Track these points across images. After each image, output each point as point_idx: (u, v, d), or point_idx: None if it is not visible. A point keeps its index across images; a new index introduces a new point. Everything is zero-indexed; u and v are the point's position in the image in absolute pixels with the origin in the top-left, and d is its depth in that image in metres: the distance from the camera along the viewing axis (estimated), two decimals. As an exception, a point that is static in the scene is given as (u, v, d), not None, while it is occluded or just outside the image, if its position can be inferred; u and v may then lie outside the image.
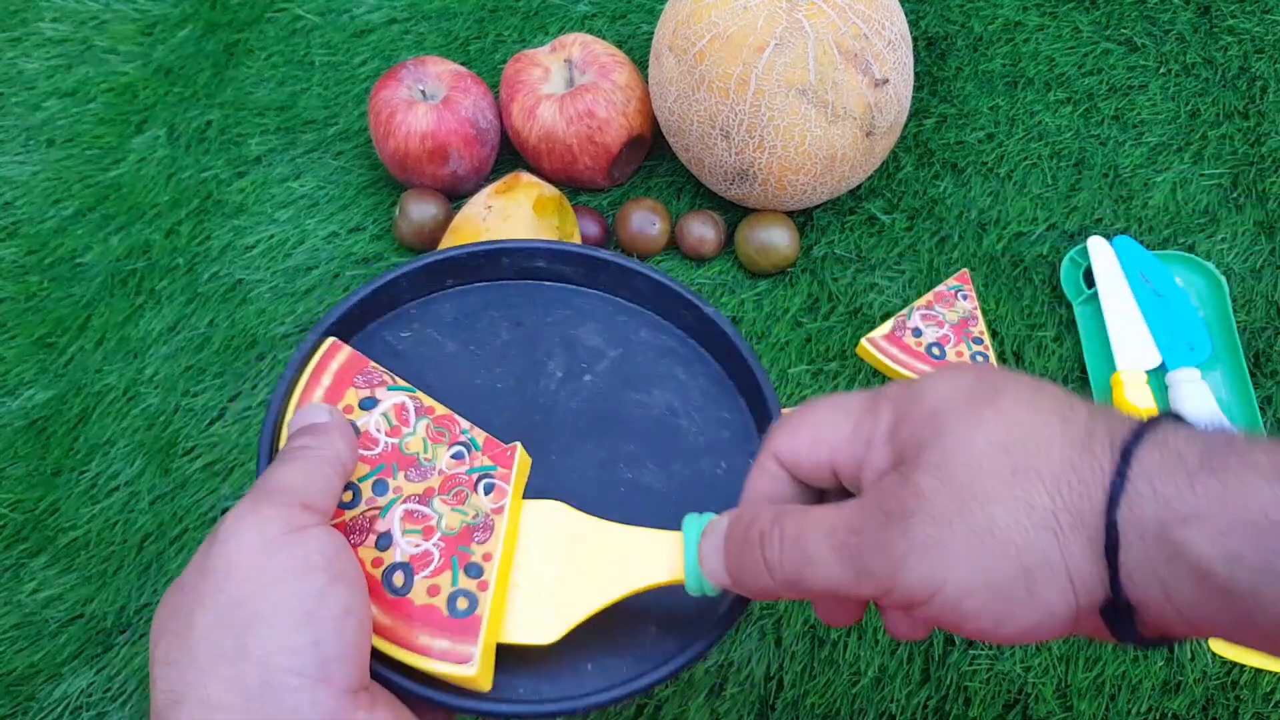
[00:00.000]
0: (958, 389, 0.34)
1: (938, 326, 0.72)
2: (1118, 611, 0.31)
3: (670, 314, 0.54)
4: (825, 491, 0.40)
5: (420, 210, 0.75)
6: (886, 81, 0.60)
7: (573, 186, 0.80)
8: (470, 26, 0.89)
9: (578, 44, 0.77)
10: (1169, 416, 0.32)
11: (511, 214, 0.70)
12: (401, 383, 0.47)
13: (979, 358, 0.71)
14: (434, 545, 0.43)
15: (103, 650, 0.64)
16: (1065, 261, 0.75)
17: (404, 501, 0.44)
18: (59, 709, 0.62)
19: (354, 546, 0.42)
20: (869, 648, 0.63)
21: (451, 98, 0.76)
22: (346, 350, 0.48)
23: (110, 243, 0.79)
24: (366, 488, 0.44)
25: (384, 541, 0.43)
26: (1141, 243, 0.76)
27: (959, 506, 0.32)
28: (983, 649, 0.63)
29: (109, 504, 0.69)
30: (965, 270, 0.75)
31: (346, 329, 0.50)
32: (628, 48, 0.86)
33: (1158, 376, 0.70)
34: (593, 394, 0.51)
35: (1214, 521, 0.29)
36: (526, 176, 0.73)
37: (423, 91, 0.77)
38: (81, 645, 0.64)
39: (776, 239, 0.74)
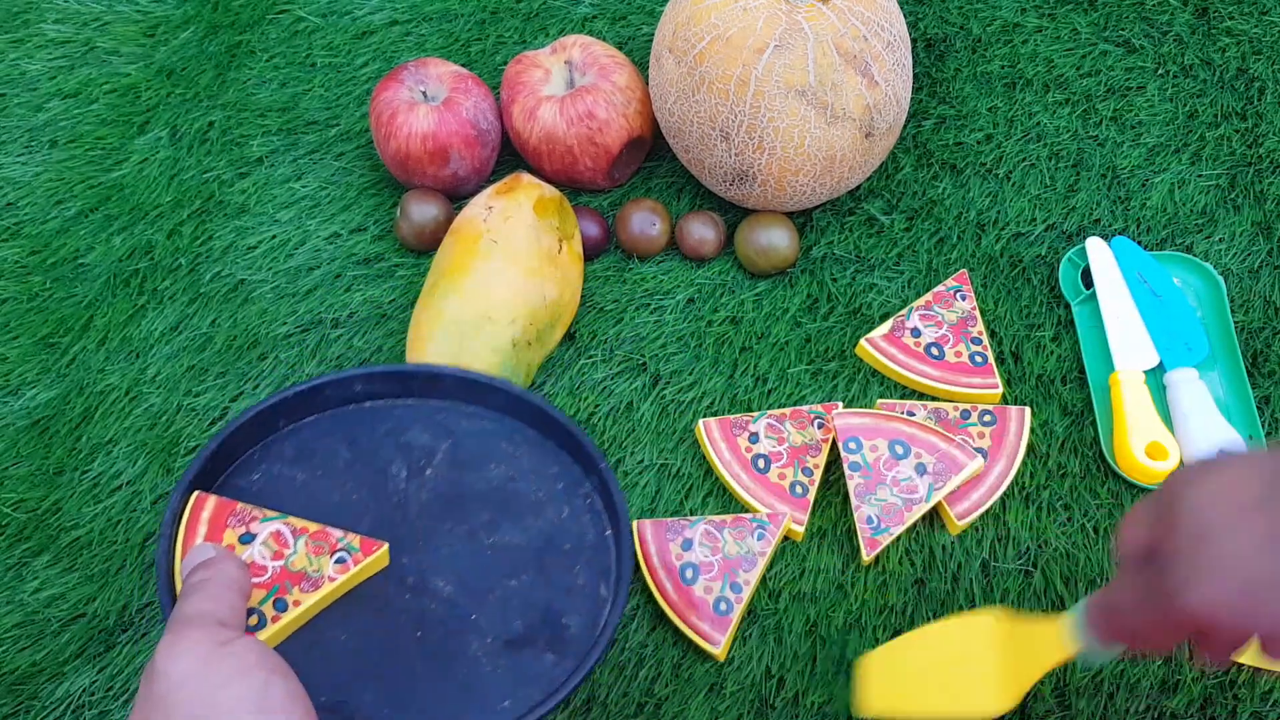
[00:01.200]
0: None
1: (936, 327, 0.72)
2: None
3: (480, 400, 0.62)
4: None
5: (421, 211, 0.76)
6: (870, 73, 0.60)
7: (573, 187, 0.80)
8: (471, 28, 0.89)
9: (578, 46, 0.78)
10: None
11: (512, 215, 0.70)
12: (271, 513, 0.55)
13: (977, 358, 0.71)
14: (717, 561, 0.63)
15: (105, 649, 0.64)
16: (1063, 262, 0.75)
17: (706, 523, 0.63)
18: (61, 708, 0.63)
19: (667, 543, 0.61)
20: (869, 645, 0.63)
21: (452, 99, 0.76)
22: (213, 499, 0.55)
23: (113, 243, 0.79)
24: (268, 608, 0.52)
25: (686, 545, 0.63)
26: (1139, 243, 0.76)
27: (1202, 543, 0.41)
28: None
29: (111, 503, 0.69)
30: (964, 271, 0.75)
31: (204, 483, 0.56)
32: (628, 49, 0.86)
33: (1155, 376, 0.71)
34: (437, 483, 0.59)
35: None
36: (527, 177, 0.73)
37: (424, 93, 0.77)
38: (84, 644, 0.64)
39: (776, 240, 0.74)
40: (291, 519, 0.55)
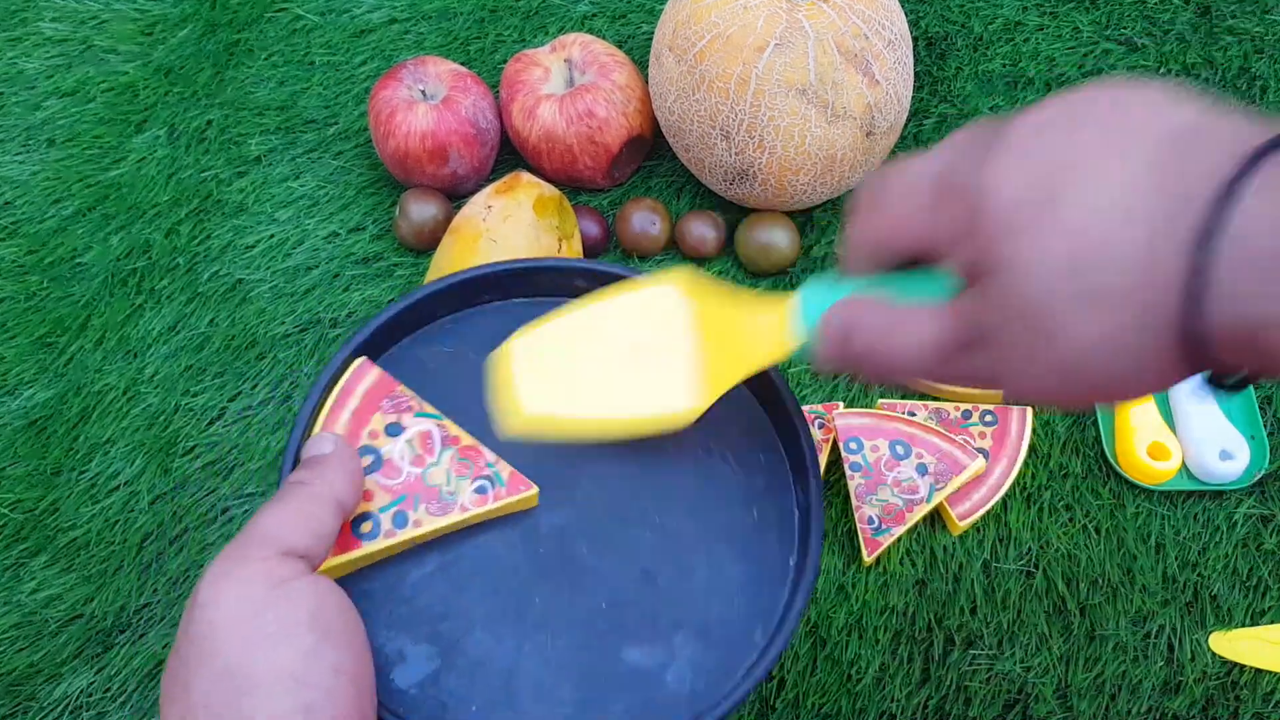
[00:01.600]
0: (1020, 189, 0.30)
1: None
2: (1194, 343, 0.28)
3: None
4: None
5: (420, 210, 0.75)
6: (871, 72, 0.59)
7: (573, 186, 0.80)
8: (470, 26, 0.89)
9: (578, 44, 0.77)
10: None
11: (511, 214, 0.70)
12: (429, 409, 0.46)
13: None
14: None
15: (102, 650, 0.64)
16: None
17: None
18: (59, 709, 0.62)
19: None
20: (869, 647, 0.63)
21: (451, 98, 0.76)
22: (376, 372, 0.47)
23: (110, 242, 0.79)
24: (386, 519, 0.44)
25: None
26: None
27: (1030, 337, 0.30)
28: (983, 649, 0.63)
29: (109, 503, 0.69)
30: None
31: (378, 343, 0.49)
32: (628, 48, 0.86)
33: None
34: None
35: None
36: (527, 176, 0.73)
37: (423, 91, 0.77)
38: (81, 645, 0.64)
39: (776, 239, 0.74)
40: (448, 422, 0.46)
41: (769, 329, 0.41)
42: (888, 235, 0.36)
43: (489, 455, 0.46)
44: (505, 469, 0.45)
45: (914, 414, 0.68)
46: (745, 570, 0.46)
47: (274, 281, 0.77)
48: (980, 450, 0.67)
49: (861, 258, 0.38)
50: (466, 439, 0.46)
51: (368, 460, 0.45)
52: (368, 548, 0.43)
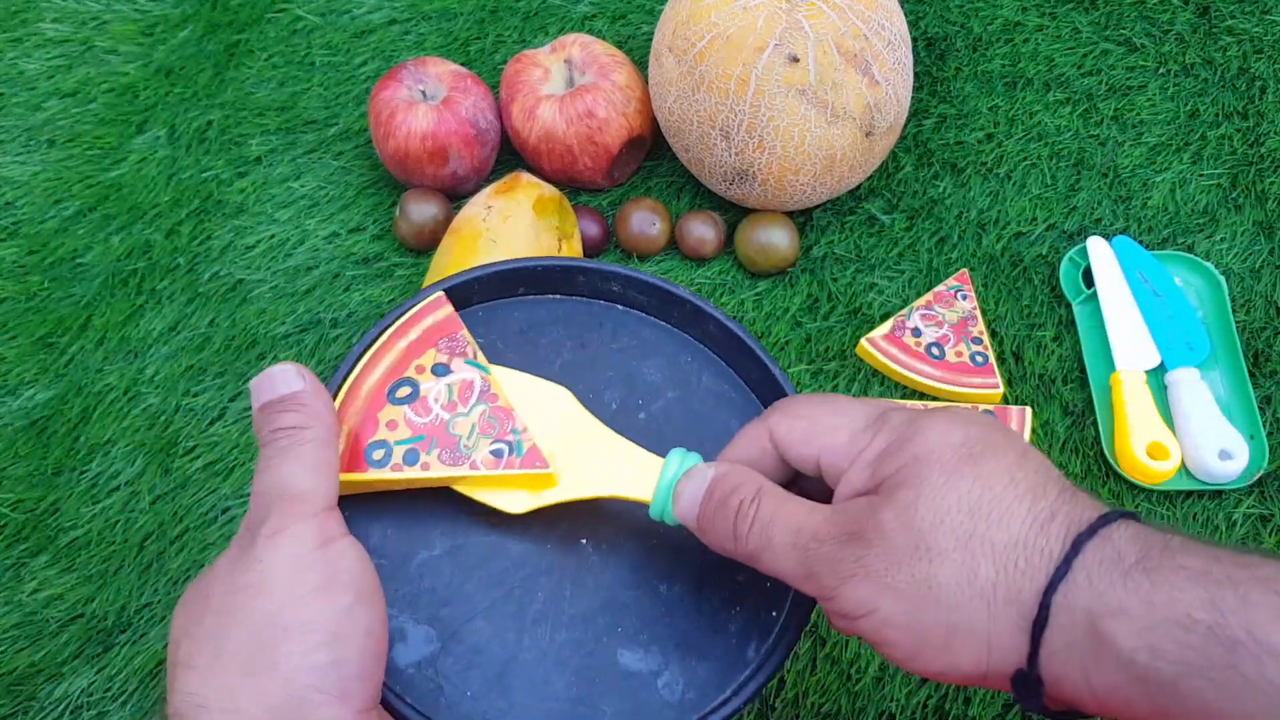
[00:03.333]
0: (950, 441, 0.36)
1: (937, 326, 0.72)
2: (1028, 683, 0.34)
3: (736, 364, 0.51)
4: (799, 474, 0.42)
5: (420, 210, 0.76)
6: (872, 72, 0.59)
7: (573, 187, 0.80)
8: (470, 27, 0.89)
9: (578, 44, 0.77)
10: (1124, 515, 0.35)
11: (511, 214, 0.70)
12: (481, 360, 0.46)
13: (978, 358, 0.71)
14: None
15: (103, 650, 0.64)
16: (1064, 261, 0.75)
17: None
18: (59, 708, 0.62)
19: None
20: (869, 646, 0.63)
21: (452, 98, 0.76)
22: (448, 310, 0.47)
23: (111, 243, 0.79)
24: (399, 453, 0.44)
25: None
26: (1141, 243, 0.76)
27: (910, 552, 0.35)
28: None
29: (109, 504, 0.69)
30: (965, 270, 0.75)
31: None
32: (628, 48, 0.86)
33: (1157, 376, 0.71)
34: (644, 433, 0.48)
35: (1139, 618, 0.32)
36: (527, 177, 0.73)
37: (423, 92, 0.77)
38: (82, 645, 0.64)
39: (776, 239, 0.74)
40: (493, 378, 0.45)
41: (638, 466, 0.44)
42: (813, 443, 0.40)
43: (519, 423, 0.45)
44: (529, 441, 0.45)
45: None
46: (745, 586, 0.47)
47: (274, 282, 0.77)
48: None
49: (767, 452, 0.41)
50: (504, 400, 0.45)
51: (405, 391, 0.44)
52: (373, 474, 0.43)
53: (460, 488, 0.44)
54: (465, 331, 0.47)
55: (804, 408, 0.41)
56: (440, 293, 0.47)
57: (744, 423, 0.46)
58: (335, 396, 0.44)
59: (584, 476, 0.44)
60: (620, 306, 0.52)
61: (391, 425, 0.44)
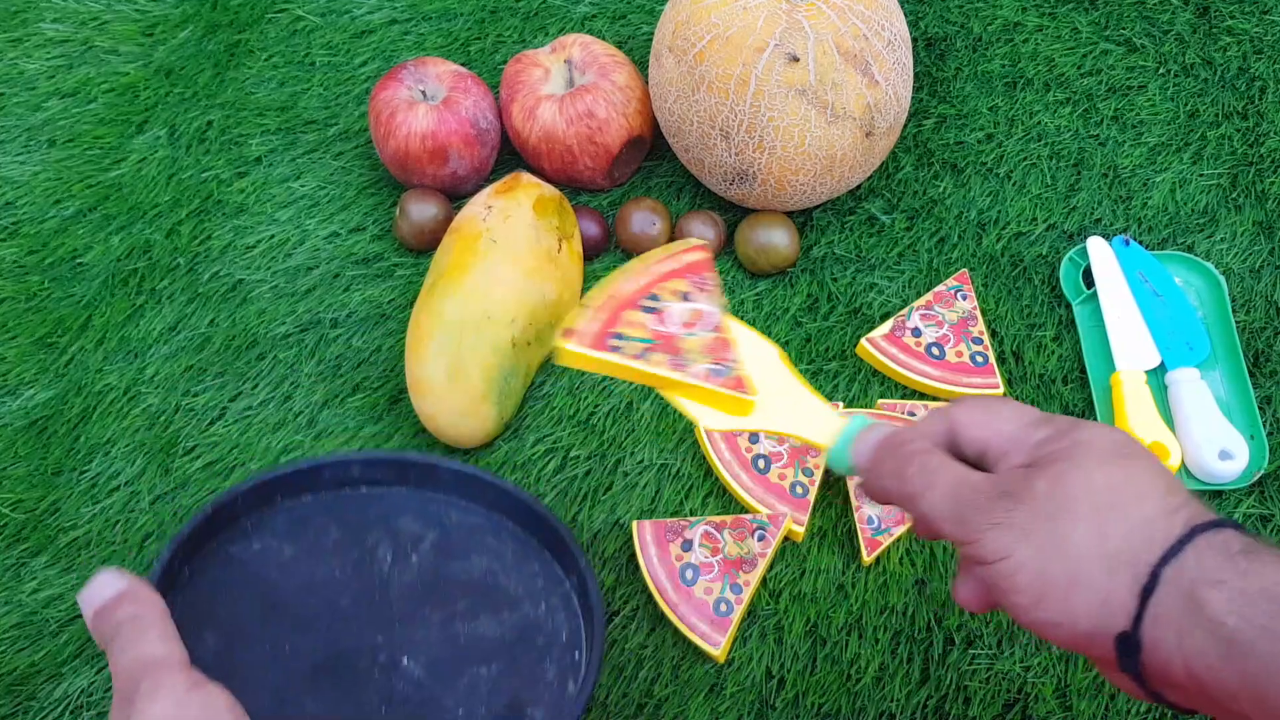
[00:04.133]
0: (1109, 438, 0.42)
1: (937, 326, 0.72)
2: (1129, 645, 0.39)
3: (472, 495, 0.62)
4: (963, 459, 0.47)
5: (420, 210, 0.76)
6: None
7: (573, 187, 0.80)
8: (470, 27, 0.89)
9: (578, 45, 0.77)
10: (1239, 525, 0.40)
11: (511, 214, 0.70)
12: (719, 303, 0.54)
13: (978, 358, 0.71)
14: (717, 562, 0.62)
15: (103, 650, 0.64)
16: (1065, 262, 0.75)
17: (705, 524, 0.63)
18: (59, 708, 0.62)
19: (667, 543, 0.62)
20: (869, 646, 0.63)
21: (452, 98, 0.76)
22: (705, 255, 0.56)
23: (111, 243, 0.79)
24: (635, 347, 0.52)
25: (686, 545, 0.63)
26: (1140, 243, 0.76)
27: (1053, 511, 0.40)
28: (983, 648, 0.63)
29: (109, 504, 0.69)
30: (964, 270, 0.75)
31: (194, 545, 0.57)
32: (628, 48, 0.86)
33: (1157, 376, 0.71)
34: (421, 569, 0.60)
35: (1234, 588, 0.37)
36: (527, 177, 0.73)
37: (423, 92, 0.77)
38: (82, 645, 0.64)
39: (776, 239, 0.74)
40: (725, 322, 0.54)
41: (823, 418, 0.51)
42: (987, 428, 0.45)
43: (735, 354, 0.53)
44: (739, 369, 0.52)
45: (914, 414, 0.69)
46: (547, 645, 0.58)
47: (274, 282, 0.77)
48: None
49: (939, 434, 0.46)
50: (728, 334, 0.53)
51: (652, 303, 0.53)
52: (610, 357, 0.52)
53: (672, 391, 0.52)
54: (714, 274, 0.55)
55: (984, 402, 0.47)
56: (702, 241, 0.57)
57: (495, 535, 0.61)
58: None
59: (775, 414, 0.52)
60: (364, 487, 0.62)
61: (633, 325, 0.53)
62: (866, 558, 0.64)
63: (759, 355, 0.53)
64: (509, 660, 0.58)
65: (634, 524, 0.65)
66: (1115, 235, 0.75)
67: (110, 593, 0.46)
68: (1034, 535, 0.40)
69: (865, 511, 0.65)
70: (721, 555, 0.64)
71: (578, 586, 0.60)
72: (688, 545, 0.64)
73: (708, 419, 0.52)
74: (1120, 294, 0.73)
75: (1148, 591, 0.38)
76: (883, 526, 0.64)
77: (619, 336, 0.52)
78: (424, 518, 0.62)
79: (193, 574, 0.58)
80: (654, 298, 0.54)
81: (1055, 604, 0.40)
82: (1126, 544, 0.39)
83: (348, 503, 0.62)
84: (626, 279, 0.54)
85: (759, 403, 0.52)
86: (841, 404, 0.70)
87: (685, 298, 0.54)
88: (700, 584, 0.63)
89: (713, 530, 0.65)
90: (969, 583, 0.45)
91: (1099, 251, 0.74)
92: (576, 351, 0.52)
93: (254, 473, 0.62)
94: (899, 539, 0.65)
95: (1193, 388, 0.69)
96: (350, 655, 0.57)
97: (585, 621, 0.59)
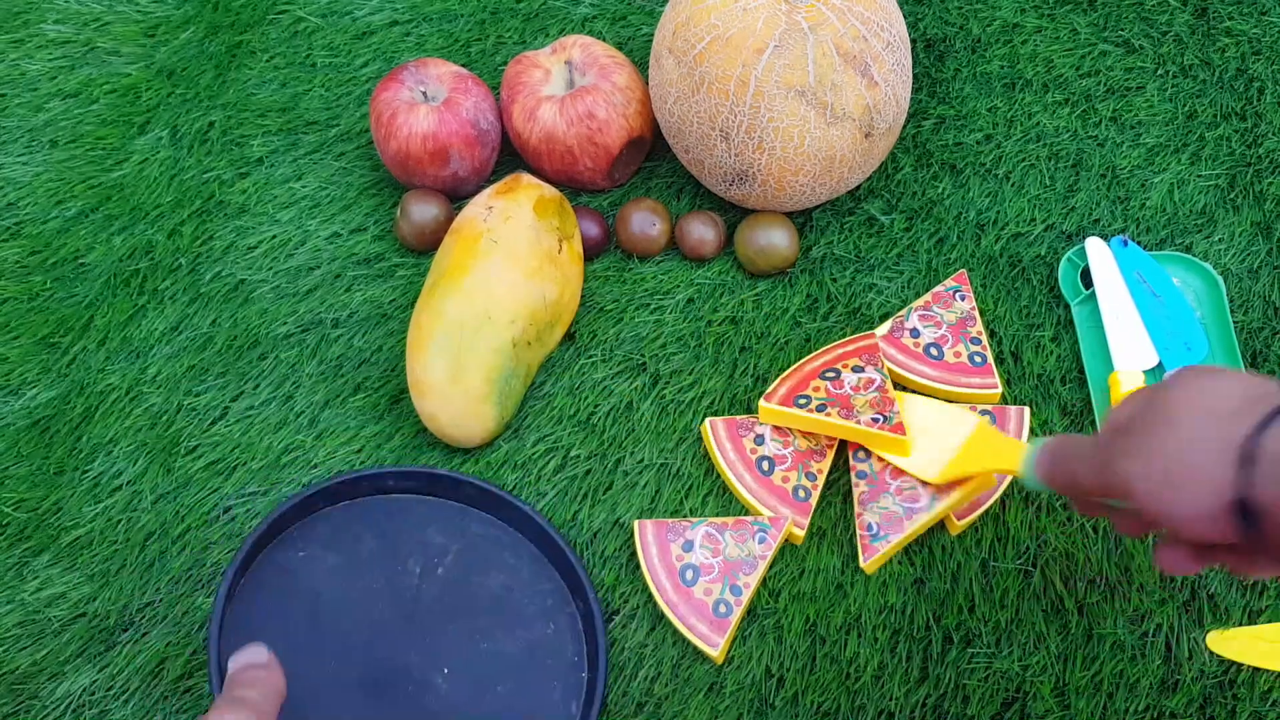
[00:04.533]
0: (1200, 366, 0.51)
1: (935, 327, 0.72)
2: (1247, 509, 0.43)
3: (494, 510, 0.66)
4: None
5: (421, 211, 0.76)
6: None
7: (573, 187, 0.80)
8: (471, 28, 0.89)
9: (578, 46, 0.78)
10: None
11: (512, 215, 0.70)
12: (885, 369, 0.69)
13: (976, 358, 0.71)
14: (718, 563, 0.64)
15: (105, 649, 0.64)
16: (1063, 262, 0.75)
17: (707, 525, 0.65)
18: (61, 707, 0.63)
19: (668, 543, 0.65)
20: (868, 645, 0.64)
21: (452, 99, 0.76)
22: (873, 341, 0.71)
23: (113, 243, 0.79)
24: (815, 404, 0.67)
25: (687, 546, 0.65)
26: (1139, 243, 0.76)
27: (1159, 423, 0.46)
28: (981, 647, 0.63)
29: (112, 503, 0.69)
30: (963, 271, 0.75)
31: (251, 556, 0.62)
32: (628, 50, 0.86)
33: (1155, 376, 0.71)
34: (446, 582, 0.64)
35: None
36: (527, 178, 0.73)
37: (424, 93, 0.77)
38: (84, 644, 0.64)
39: (776, 240, 0.74)
40: (888, 384, 0.68)
41: (1012, 451, 0.61)
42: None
43: (895, 407, 0.67)
44: (897, 417, 0.66)
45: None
46: (554, 667, 0.63)
47: (276, 282, 0.77)
48: None
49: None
50: (891, 394, 0.68)
51: (832, 374, 0.68)
52: (796, 412, 0.67)
53: (849, 437, 0.67)
54: (881, 355, 0.70)
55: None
56: (872, 332, 0.71)
57: (512, 551, 0.66)
58: None
59: (980, 458, 0.63)
60: (397, 495, 0.67)
61: (816, 389, 0.68)
62: (864, 564, 0.64)
63: (964, 419, 0.65)
64: (520, 679, 0.62)
65: (635, 523, 0.65)
66: (1114, 236, 0.76)
67: (251, 658, 0.53)
68: (1144, 451, 0.46)
69: (866, 518, 0.65)
70: (722, 557, 0.64)
71: (584, 612, 0.63)
72: (689, 545, 0.64)
73: (922, 469, 0.65)
74: (1118, 294, 0.73)
75: (1248, 459, 0.43)
76: (882, 534, 0.64)
77: (804, 398, 0.67)
78: (449, 529, 0.66)
79: (245, 584, 0.62)
80: (834, 370, 0.69)
81: (1172, 494, 0.45)
82: (1222, 431, 0.44)
83: (382, 511, 0.66)
84: (813, 358, 0.70)
85: (965, 451, 0.64)
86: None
87: (858, 369, 0.69)
88: (700, 584, 0.63)
89: (714, 531, 0.65)
90: (1169, 546, 0.50)
91: (1097, 252, 0.74)
92: (771, 408, 0.67)
93: (304, 487, 0.66)
94: (897, 546, 0.66)
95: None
96: (387, 673, 0.61)
97: (589, 646, 0.63)
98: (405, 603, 0.64)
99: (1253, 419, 0.44)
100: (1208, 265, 0.74)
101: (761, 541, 0.64)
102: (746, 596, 0.63)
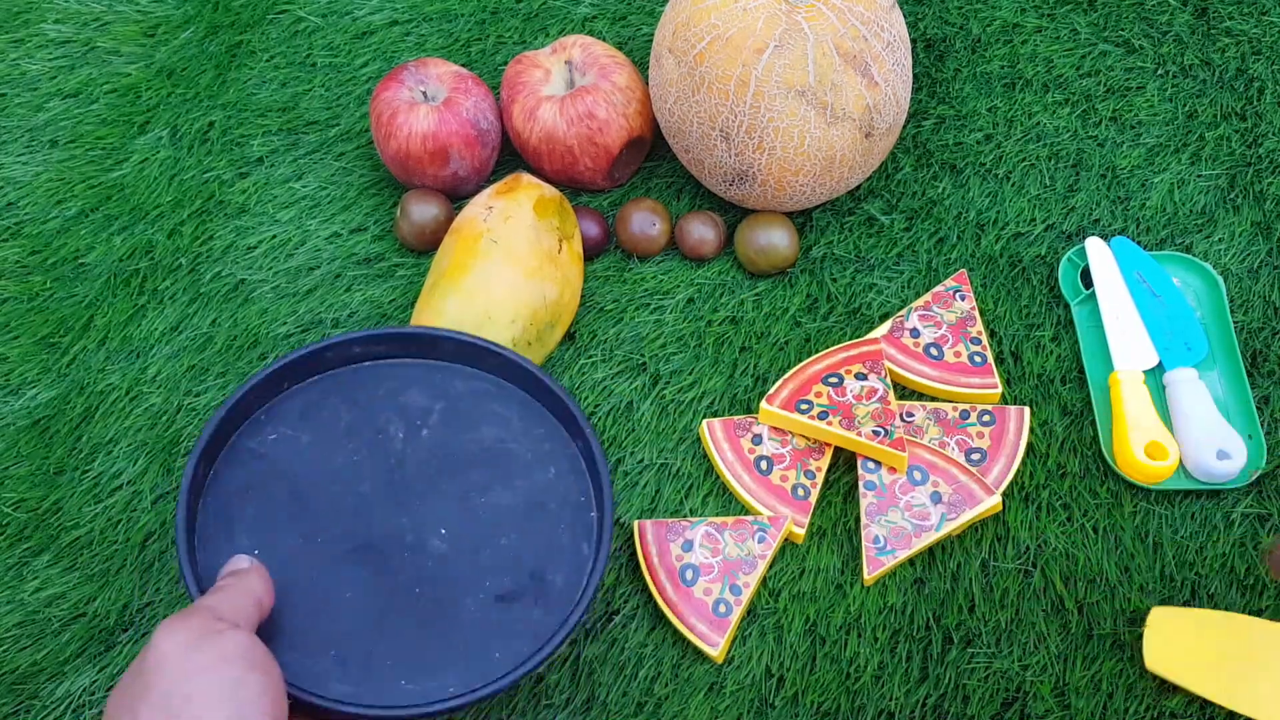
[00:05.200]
0: None
1: (935, 327, 0.72)
2: None
3: (477, 363, 0.64)
4: None
5: (421, 211, 0.76)
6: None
7: (573, 187, 0.80)
8: (471, 28, 0.89)
9: (578, 46, 0.78)
10: None
11: (512, 215, 0.70)
12: (887, 377, 0.68)
13: (976, 358, 0.71)
14: (717, 563, 0.63)
15: (105, 649, 0.64)
16: (1063, 262, 0.75)
17: (707, 524, 0.64)
18: (61, 707, 0.63)
19: (668, 543, 0.64)
20: (868, 645, 0.64)
21: (453, 99, 0.76)
22: (878, 346, 0.70)
23: (113, 243, 0.79)
24: (817, 410, 0.66)
25: (686, 545, 0.64)
26: (1139, 243, 0.76)
27: None
28: (981, 647, 0.63)
29: (111, 503, 0.69)
30: (963, 271, 0.75)
31: (215, 447, 0.60)
32: (628, 49, 0.86)
33: (1155, 376, 0.71)
34: (433, 443, 0.62)
35: None
36: (527, 178, 0.73)
37: (424, 93, 0.77)
38: (84, 644, 0.64)
39: (776, 240, 0.74)
40: (891, 395, 0.67)
41: None
42: None
43: (897, 421, 0.66)
44: (898, 431, 0.66)
45: (912, 415, 0.69)
46: (560, 509, 0.61)
47: (276, 282, 0.77)
48: (978, 450, 0.67)
49: None
50: (894, 405, 0.67)
51: (835, 380, 0.67)
52: (796, 417, 0.66)
53: (850, 448, 0.67)
54: (886, 362, 0.69)
55: None
56: (879, 337, 0.71)
57: (501, 402, 0.63)
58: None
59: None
60: (368, 362, 0.64)
61: (818, 394, 0.67)
62: (867, 576, 0.64)
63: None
64: (525, 528, 0.60)
65: (635, 523, 0.66)
66: (1113, 235, 0.76)
67: (234, 566, 0.54)
68: None
69: (873, 531, 0.64)
70: (722, 556, 0.64)
71: (584, 450, 0.62)
72: (688, 545, 0.64)
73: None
74: (1118, 294, 0.73)
75: None
76: (888, 548, 0.64)
77: (805, 403, 0.66)
78: (430, 389, 0.64)
79: (216, 475, 0.60)
80: (836, 375, 0.68)
81: None
82: None
83: (354, 381, 0.64)
84: (816, 361, 0.69)
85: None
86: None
87: (861, 377, 0.68)
88: (700, 584, 0.63)
89: (713, 531, 0.65)
90: None
91: (1097, 252, 0.74)
92: (773, 411, 0.67)
93: (262, 365, 0.64)
94: (901, 561, 0.65)
95: (1190, 388, 0.69)
96: (379, 541, 0.59)
97: (593, 483, 0.61)
98: (390, 469, 0.61)
99: None
100: (1208, 265, 0.74)
101: (761, 541, 0.64)
102: (746, 596, 0.63)
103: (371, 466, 0.61)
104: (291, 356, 0.62)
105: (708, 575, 0.64)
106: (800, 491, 0.66)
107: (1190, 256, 0.75)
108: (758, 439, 0.68)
